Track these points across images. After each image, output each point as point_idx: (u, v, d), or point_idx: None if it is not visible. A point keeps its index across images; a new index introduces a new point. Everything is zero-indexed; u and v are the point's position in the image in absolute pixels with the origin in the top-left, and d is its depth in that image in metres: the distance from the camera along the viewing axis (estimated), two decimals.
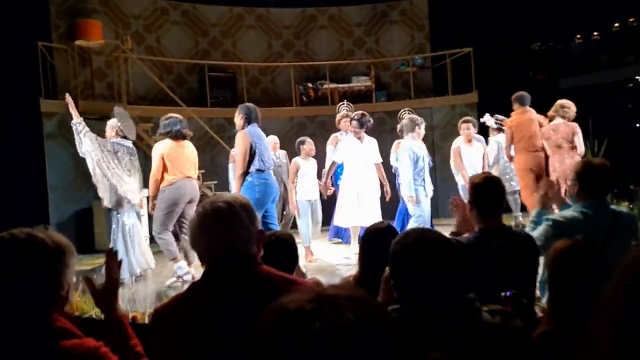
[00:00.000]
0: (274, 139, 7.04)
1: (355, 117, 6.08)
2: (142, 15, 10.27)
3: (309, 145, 6.53)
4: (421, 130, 5.88)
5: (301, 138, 6.66)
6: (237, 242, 1.54)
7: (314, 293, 0.72)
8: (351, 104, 7.47)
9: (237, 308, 1.45)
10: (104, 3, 9.78)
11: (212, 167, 9.45)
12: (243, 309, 1.44)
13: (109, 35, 9.50)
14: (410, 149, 5.61)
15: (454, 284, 1.42)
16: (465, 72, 10.05)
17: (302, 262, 4.98)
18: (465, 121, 6.98)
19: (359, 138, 6.02)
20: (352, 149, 6.01)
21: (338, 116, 6.89)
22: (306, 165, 6.47)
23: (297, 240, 2.71)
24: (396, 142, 6.69)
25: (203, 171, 8.97)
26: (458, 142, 6.96)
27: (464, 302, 1.41)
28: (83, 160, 5.34)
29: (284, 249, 2.32)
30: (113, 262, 1.76)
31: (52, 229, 1.58)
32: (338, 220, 6.23)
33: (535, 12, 11.04)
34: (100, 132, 5.67)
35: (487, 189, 2.37)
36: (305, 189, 6.36)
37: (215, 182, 8.53)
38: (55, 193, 8.09)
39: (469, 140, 6.87)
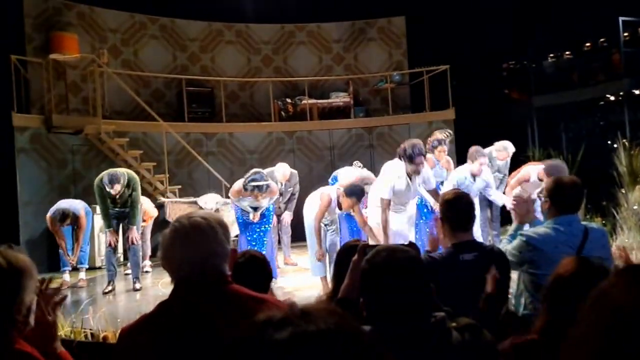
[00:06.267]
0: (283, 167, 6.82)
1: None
2: (119, 29, 10.20)
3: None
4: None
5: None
6: (212, 259, 1.50)
7: (287, 307, 0.73)
8: (450, 132, 6.85)
9: (206, 327, 1.42)
10: (80, 17, 9.70)
11: (190, 182, 9.36)
12: (212, 328, 1.41)
13: (85, 48, 9.40)
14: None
15: (424, 303, 1.41)
16: (442, 89, 10.20)
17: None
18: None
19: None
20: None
21: (440, 148, 6.06)
22: None
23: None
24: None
25: (180, 186, 8.90)
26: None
27: (434, 323, 1.40)
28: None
29: (257, 268, 2.30)
30: (47, 301, 1.53)
31: (20, 247, 1.53)
32: None
33: (509, 31, 11.29)
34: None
35: (457, 205, 2.41)
36: None
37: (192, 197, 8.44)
38: (26, 209, 7.88)
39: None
